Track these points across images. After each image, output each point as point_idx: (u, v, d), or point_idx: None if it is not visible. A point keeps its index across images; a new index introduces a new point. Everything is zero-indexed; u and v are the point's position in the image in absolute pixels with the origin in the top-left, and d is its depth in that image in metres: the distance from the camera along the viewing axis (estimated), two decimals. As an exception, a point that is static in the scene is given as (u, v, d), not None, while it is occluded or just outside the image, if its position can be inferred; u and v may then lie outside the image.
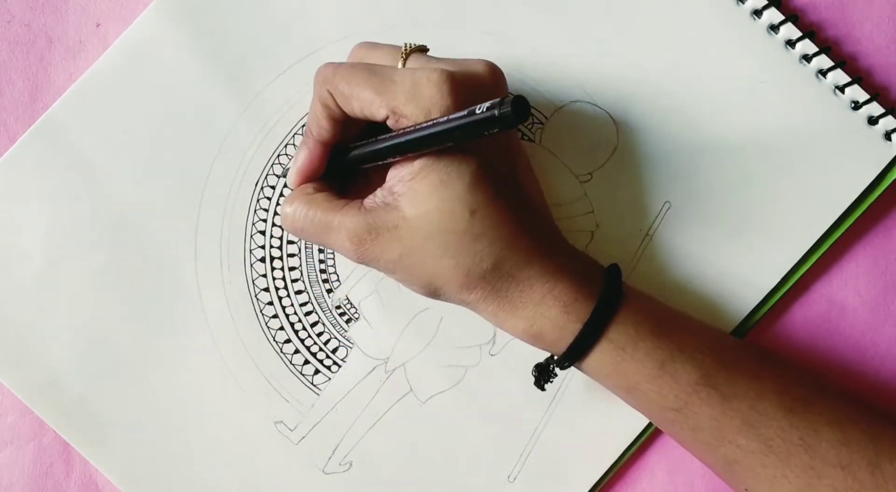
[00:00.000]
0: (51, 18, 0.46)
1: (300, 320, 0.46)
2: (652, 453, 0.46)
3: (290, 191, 0.42)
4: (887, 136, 0.45)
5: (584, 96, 0.45)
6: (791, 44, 0.45)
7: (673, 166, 0.45)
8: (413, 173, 0.36)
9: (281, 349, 0.45)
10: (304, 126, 0.45)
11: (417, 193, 0.36)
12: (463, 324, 0.45)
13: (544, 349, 0.39)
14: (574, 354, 0.38)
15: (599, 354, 0.38)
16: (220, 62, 0.45)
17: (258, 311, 0.45)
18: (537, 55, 0.45)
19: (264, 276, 0.45)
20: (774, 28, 0.45)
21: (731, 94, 0.45)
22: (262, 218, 0.45)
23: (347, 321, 0.46)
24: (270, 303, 0.45)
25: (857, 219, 0.46)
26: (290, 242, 0.46)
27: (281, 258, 0.45)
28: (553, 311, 0.37)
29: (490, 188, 0.36)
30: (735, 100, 0.45)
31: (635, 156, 0.45)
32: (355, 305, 0.46)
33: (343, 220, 0.37)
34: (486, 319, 0.39)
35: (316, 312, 0.46)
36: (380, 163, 0.38)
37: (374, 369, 0.45)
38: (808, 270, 0.46)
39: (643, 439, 0.46)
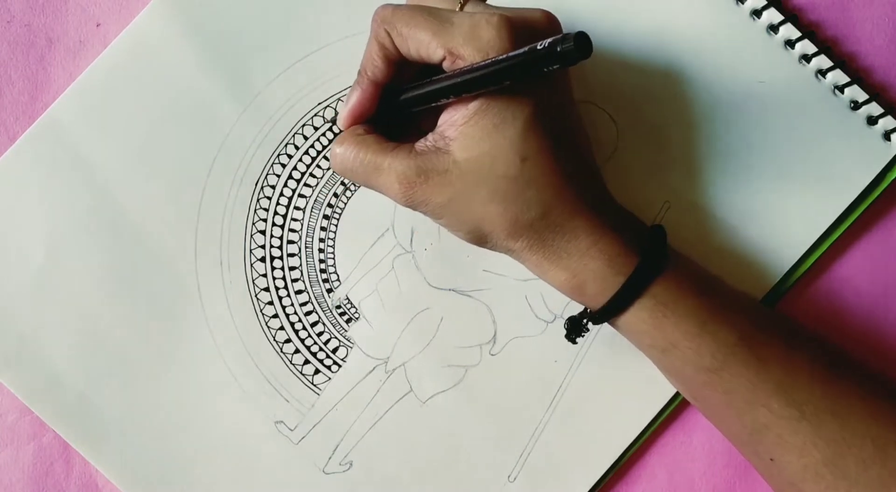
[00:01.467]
0: (51, 18, 0.46)
1: (300, 320, 0.46)
2: (652, 453, 0.46)
3: (338, 134, 0.41)
4: (886, 136, 0.45)
5: (584, 96, 0.45)
6: (791, 44, 0.45)
7: (673, 167, 0.45)
8: (466, 117, 0.36)
9: (281, 349, 0.45)
10: (304, 126, 0.45)
11: (469, 137, 0.36)
12: (463, 324, 0.45)
13: (582, 303, 0.39)
14: (615, 308, 0.38)
15: (639, 310, 0.38)
16: (220, 62, 0.45)
17: (258, 311, 0.45)
18: (537, 55, 0.45)
19: (264, 276, 0.45)
20: (774, 28, 0.45)
21: (731, 94, 0.45)
22: (262, 218, 0.45)
23: (347, 321, 0.46)
24: (270, 303, 0.45)
25: (855, 219, 0.46)
26: (290, 242, 0.46)
27: (281, 258, 0.45)
28: (597, 263, 0.37)
29: (543, 136, 0.36)
30: (735, 100, 0.45)
31: (635, 156, 0.45)
32: (355, 304, 0.46)
33: (393, 162, 0.37)
34: (529, 269, 0.39)
35: (316, 312, 0.46)
36: (432, 105, 0.37)
37: (374, 368, 0.45)
38: (807, 270, 0.46)
39: (643, 439, 0.46)
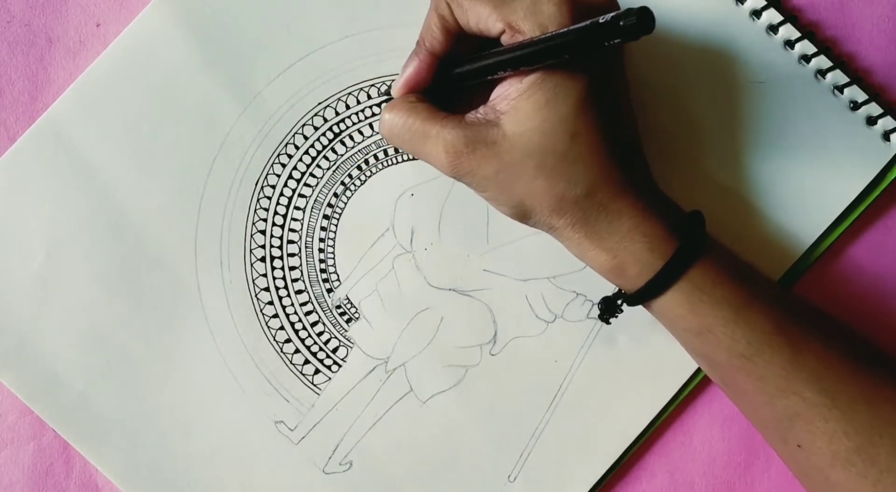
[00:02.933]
0: (51, 18, 0.46)
1: (300, 320, 0.46)
2: (652, 453, 0.46)
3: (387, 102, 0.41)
4: (886, 136, 0.45)
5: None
6: (790, 44, 0.45)
7: (670, 167, 0.45)
8: (519, 91, 0.36)
9: (281, 349, 0.45)
10: (304, 126, 0.45)
11: (521, 111, 0.36)
12: (463, 324, 0.45)
13: (618, 284, 0.39)
14: (652, 291, 0.38)
15: (677, 294, 0.38)
16: (220, 62, 0.45)
17: (258, 311, 0.45)
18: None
19: (264, 276, 0.45)
20: (773, 28, 0.45)
21: (731, 94, 0.45)
22: (262, 218, 0.45)
23: (348, 321, 0.46)
24: (270, 303, 0.45)
25: (854, 220, 0.46)
26: (290, 242, 0.46)
27: (281, 258, 0.45)
28: (638, 245, 0.38)
29: (594, 114, 0.36)
30: (735, 100, 0.45)
31: (635, 156, 0.45)
32: (355, 304, 0.46)
33: (442, 131, 0.37)
34: (569, 248, 0.39)
35: (316, 312, 0.46)
36: (487, 79, 0.37)
37: (374, 368, 0.45)
38: (806, 270, 0.46)
39: (643, 439, 0.46)
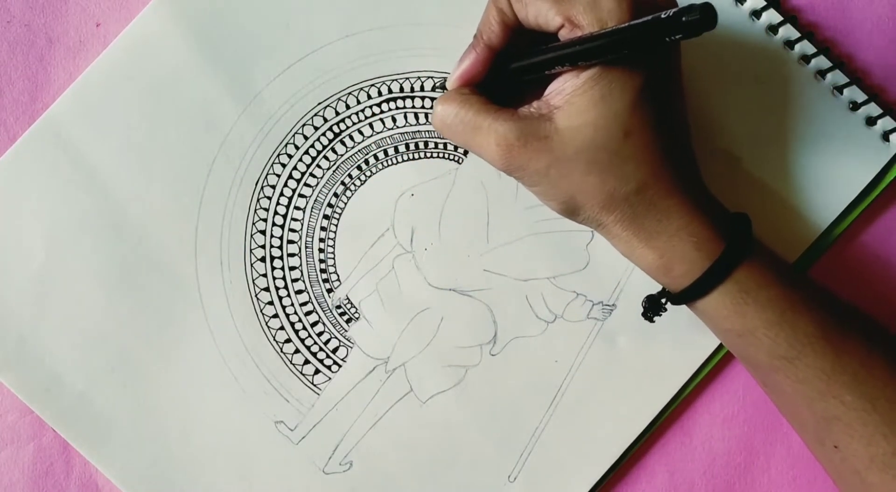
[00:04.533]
0: (51, 18, 0.46)
1: (300, 320, 0.46)
2: (652, 453, 0.46)
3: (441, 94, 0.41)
4: (885, 136, 0.45)
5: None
6: (790, 44, 0.45)
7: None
8: (575, 86, 0.36)
9: (281, 349, 0.45)
10: (304, 126, 0.45)
11: (575, 106, 0.36)
12: (463, 324, 0.45)
13: (664, 283, 0.39)
14: (698, 291, 0.38)
15: (722, 295, 0.38)
16: (220, 62, 0.45)
17: (258, 311, 0.45)
18: (537, 55, 0.45)
19: (264, 276, 0.45)
20: (773, 29, 0.45)
21: (730, 95, 0.45)
22: (262, 218, 0.45)
23: (348, 321, 0.46)
24: (270, 303, 0.45)
25: (854, 220, 0.46)
26: (290, 242, 0.46)
27: (281, 258, 0.45)
28: (685, 245, 0.38)
29: (648, 112, 0.36)
30: (734, 101, 0.45)
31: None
32: (355, 304, 0.46)
33: (494, 123, 0.37)
34: (615, 245, 0.39)
35: (316, 312, 0.46)
36: (543, 74, 0.37)
37: (374, 368, 0.45)
38: (805, 271, 0.46)
39: (643, 439, 0.46)
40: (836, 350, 0.38)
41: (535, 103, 0.37)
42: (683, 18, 0.31)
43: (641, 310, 0.43)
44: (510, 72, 0.39)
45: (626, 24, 0.34)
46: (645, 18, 0.33)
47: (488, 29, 0.39)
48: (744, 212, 0.40)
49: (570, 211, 0.38)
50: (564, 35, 0.36)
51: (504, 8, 0.38)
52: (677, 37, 0.32)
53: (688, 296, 0.39)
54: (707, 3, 0.31)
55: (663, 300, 0.41)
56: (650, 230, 0.38)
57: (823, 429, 0.39)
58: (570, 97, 0.36)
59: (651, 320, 0.43)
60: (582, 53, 0.35)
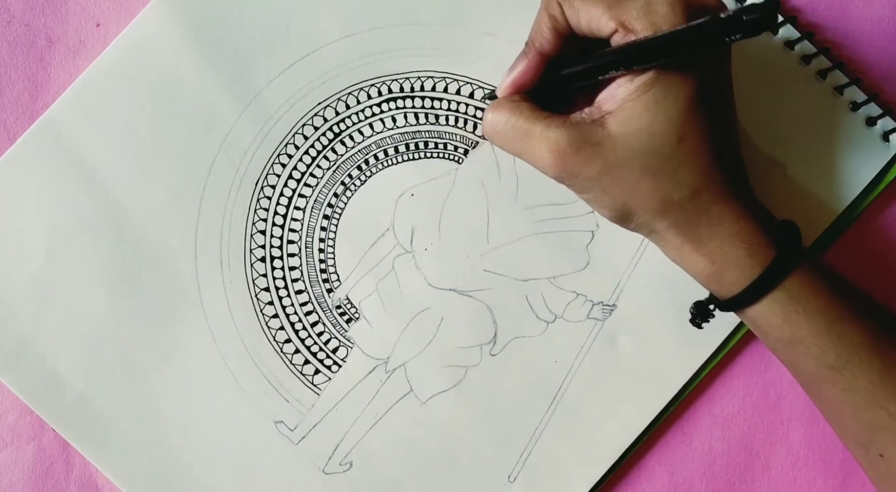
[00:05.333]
0: (51, 18, 0.46)
1: (300, 320, 0.46)
2: (652, 454, 0.46)
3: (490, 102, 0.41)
4: (885, 136, 0.45)
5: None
6: (790, 45, 0.45)
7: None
8: (628, 91, 0.36)
9: (281, 349, 0.45)
10: (304, 126, 0.45)
11: (628, 111, 0.36)
12: (463, 324, 0.45)
13: (713, 290, 0.39)
14: (748, 298, 0.38)
15: (771, 303, 0.38)
16: (220, 62, 0.45)
17: (258, 311, 0.45)
18: (537, 55, 0.45)
19: (264, 276, 0.45)
20: (773, 29, 0.45)
21: (731, 94, 0.45)
22: (262, 218, 0.45)
23: (348, 321, 0.46)
24: (270, 303, 0.45)
25: (854, 220, 0.46)
26: (290, 242, 0.46)
27: (281, 258, 0.45)
28: (737, 251, 0.37)
29: (701, 118, 0.36)
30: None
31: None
32: (355, 304, 0.46)
33: (546, 130, 0.37)
34: (666, 251, 0.39)
35: (316, 312, 0.46)
36: (595, 80, 0.37)
37: (374, 368, 0.45)
38: (807, 270, 0.46)
39: (643, 439, 0.46)
40: (883, 360, 0.38)
41: (586, 109, 0.37)
42: (744, 17, 0.31)
43: (689, 316, 0.43)
44: (561, 78, 0.39)
45: (686, 26, 0.33)
46: (703, 19, 0.33)
47: (540, 35, 0.38)
48: (791, 220, 0.40)
49: (623, 218, 0.38)
50: (617, 40, 0.36)
51: (556, 14, 0.37)
52: (737, 37, 0.32)
53: (737, 303, 0.38)
54: (768, 2, 0.30)
55: (711, 307, 0.41)
56: (702, 236, 0.38)
57: (868, 437, 0.39)
58: (624, 102, 0.36)
59: (699, 327, 0.43)
60: (639, 55, 0.35)
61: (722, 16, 0.32)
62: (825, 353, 0.38)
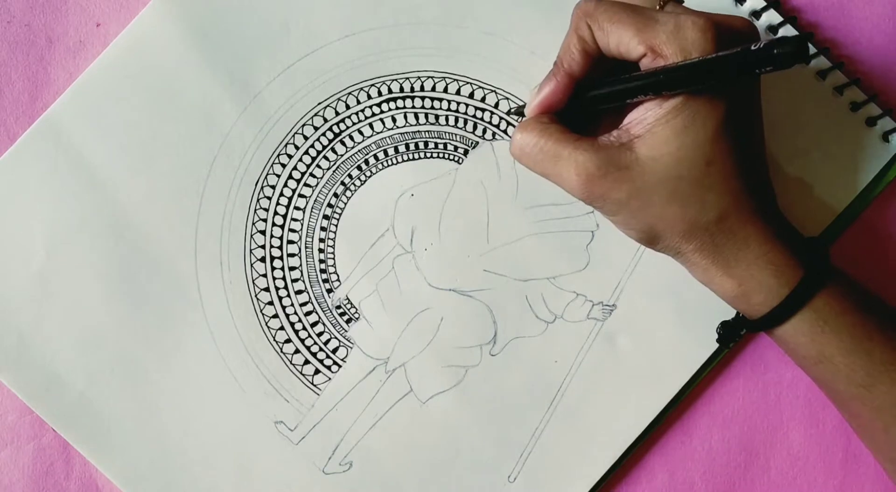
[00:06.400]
0: (51, 18, 0.46)
1: (300, 320, 0.46)
2: (652, 453, 0.46)
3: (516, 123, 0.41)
4: (885, 136, 0.45)
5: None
6: (790, 44, 0.45)
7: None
8: (657, 116, 0.36)
9: (281, 349, 0.45)
10: (304, 126, 0.45)
11: (658, 136, 0.36)
12: (463, 324, 0.45)
13: (742, 311, 0.39)
14: (776, 318, 0.38)
15: (799, 322, 0.38)
16: (219, 62, 0.45)
17: (258, 311, 0.45)
18: (537, 56, 0.45)
19: (264, 276, 0.45)
20: (773, 29, 0.45)
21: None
22: (262, 218, 0.45)
23: (347, 321, 0.46)
24: (270, 303, 0.45)
25: (853, 220, 0.46)
26: (290, 242, 0.46)
27: (281, 258, 0.45)
28: (764, 273, 0.38)
29: (729, 142, 0.36)
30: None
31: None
32: (355, 304, 0.46)
33: (574, 153, 0.37)
34: (693, 273, 0.39)
35: (316, 312, 0.46)
36: (623, 102, 0.37)
37: (374, 368, 0.45)
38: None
39: (644, 439, 0.46)
40: None
41: (614, 133, 0.37)
42: (776, 51, 0.30)
43: (716, 336, 0.44)
44: (588, 100, 0.39)
45: (716, 56, 0.33)
46: (735, 50, 0.33)
47: (569, 57, 0.38)
48: (819, 238, 0.40)
49: (650, 240, 0.38)
50: (646, 64, 0.36)
51: (585, 36, 0.37)
52: (768, 69, 0.31)
53: (765, 323, 0.39)
54: (801, 36, 0.30)
55: (741, 328, 0.41)
56: (729, 258, 0.38)
57: None
58: (653, 126, 0.36)
59: (728, 347, 0.43)
60: (669, 82, 0.35)
61: (753, 48, 0.32)
62: (854, 371, 0.38)
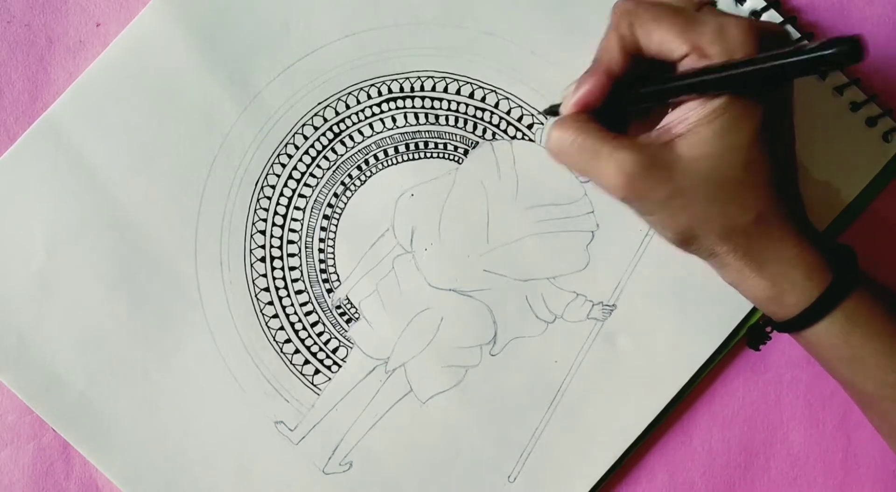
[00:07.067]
0: (51, 18, 0.46)
1: (300, 320, 0.46)
2: (652, 453, 0.46)
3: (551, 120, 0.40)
4: (885, 136, 0.45)
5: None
6: (790, 44, 0.45)
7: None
8: (700, 116, 0.35)
9: (281, 349, 0.45)
10: (304, 126, 0.45)
11: (700, 136, 0.36)
12: (463, 324, 0.45)
13: (772, 312, 0.39)
14: (807, 320, 0.38)
15: (830, 324, 0.38)
16: (219, 62, 0.45)
17: (258, 311, 0.45)
18: (537, 56, 0.45)
19: (264, 276, 0.45)
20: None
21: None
22: (262, 218, 0.45)
23: (347, 321, 0.46)
24: (270, 303, 0.45)
25: (854, 220, 0.46)
26: (290, 242, 0.46)
27: (281, 258, 0.45)
28: (796, 274, 0.38)
29: (768, 144, 0.36)
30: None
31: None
32: (355, 304, 0.46)
33: (614, 151, 0.36)
34: (725, 275, 0.39)
35: (316, 312, 0.46)
36: (665, 102, 0.37)
37: (374, 368, 0.45)
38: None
39: (644, 439, 0.46)
40: None
41: (654, 132, 0.37)
42: (835, 50, 0.30)
43: (746, 340, 0.44)
44: (630, 98, 0.38)
45: (769, 54, 0.33)
46: (788, 49, 0.32)
47: (608, 55, 0.38)
48: (846, 244, 0.40)
49: (685, 241, 0.38)
50: (688, 64, 0.36)
51: (626, 34, 0.37)
52: (822, 68, 0.31)
53: (795, 325, 0.39)
54: (856, 37, 0.30)
55: (768, 329, 0.41)
56: (762, 261, 0.38)
57: None
58: (695, 126, 0.36)
59: (756, 349, 0.43)
60: (719, 82, 0.34)
61: (806, 46, 0.31)
62: (885, 373, 0.38)
